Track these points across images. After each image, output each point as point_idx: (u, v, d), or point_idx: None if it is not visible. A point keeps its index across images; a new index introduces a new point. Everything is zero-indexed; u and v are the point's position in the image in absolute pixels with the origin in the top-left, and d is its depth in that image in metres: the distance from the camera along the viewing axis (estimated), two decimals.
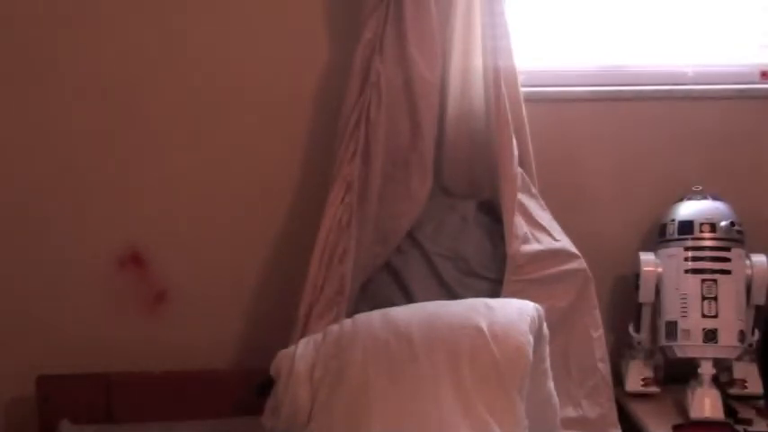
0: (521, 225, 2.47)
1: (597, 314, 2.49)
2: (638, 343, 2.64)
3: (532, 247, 2.46)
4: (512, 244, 2.45)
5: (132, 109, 2.62)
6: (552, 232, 2.51)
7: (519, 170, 2.51)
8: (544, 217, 2.53)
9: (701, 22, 2.76)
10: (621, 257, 2.70)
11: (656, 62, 2.77)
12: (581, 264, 2.46)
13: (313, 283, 2.43)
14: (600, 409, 2.46)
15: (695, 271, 2.53)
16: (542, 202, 2.56)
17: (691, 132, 2.75)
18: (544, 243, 2.48)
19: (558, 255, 2.47)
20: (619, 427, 2.46)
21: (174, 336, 2.68)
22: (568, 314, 2.46)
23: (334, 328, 2.23)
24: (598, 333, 2.49)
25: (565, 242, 2.49)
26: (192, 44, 2.61)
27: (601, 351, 2.49)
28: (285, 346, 2.27)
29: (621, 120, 2.74)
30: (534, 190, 2.55)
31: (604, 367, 2.48)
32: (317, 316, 2.42)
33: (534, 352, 2.11)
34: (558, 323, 2.41)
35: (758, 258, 2.56)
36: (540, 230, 2.50)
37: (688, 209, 2.61)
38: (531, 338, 2.10)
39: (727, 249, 2.53)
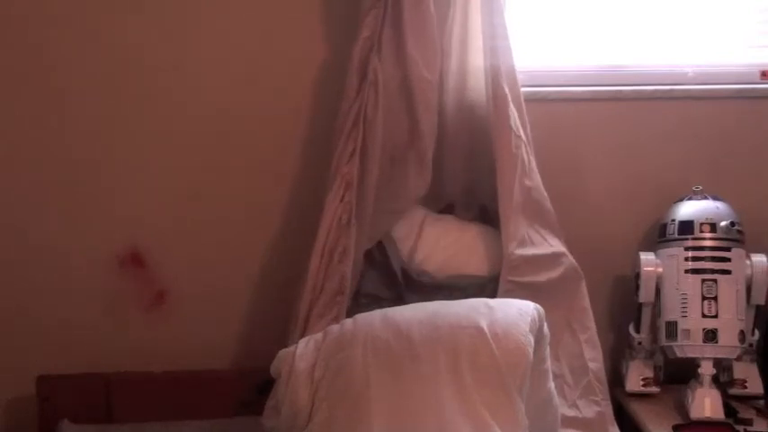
0: (517, 226, 2.47)
1: (586, 317, 2.48)
2: (639, 343, 2.64)
3: (528, 250, 2.45)
4: (508, 245, 2.45)
5: (132, 109, 2.62)
6: (548, 237, 2.50)
7: (518, 171, 2.50)
8: (542, 220, 2.53)
9: (700, 23, 2.76)
10: (621, 257, 2.70)
11: (656, 62, 2.77)
12: (573, 267, 2.46)
13: (313, 282, 2.43)
14: (596, 407, 2.45)
15: (695, 271, 2.53)
16: (542, 204, 2.55)
17: (691, 132, 2.74)
18: (539, 247, 2.47)
19: (552, 259, 2.46)
20: (615, 423, 2.45)
21: (173, 336, 2.68)
22: (559, 318, 2.45)
23: (335, 327, 2.23)
24: (585, 336, 2.48)
25: (559, 247, 2.48)
26: (190, 44, 2.61)
27: (591, 352, 2.48)
28: (285, 346, 2.27)
29: (621, 120, 2.74)
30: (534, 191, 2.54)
31: (596, 365, 2.48)
32: (317, 315, 2.42)
33: (535, 352, 2.11)
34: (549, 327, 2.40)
35: (758, 258, 2.56)
36: (536, 234, 2.49)
37: (688, 209, 2.61)
38: (531, 338, 2.10)
39: (728, 249, 2.53)
